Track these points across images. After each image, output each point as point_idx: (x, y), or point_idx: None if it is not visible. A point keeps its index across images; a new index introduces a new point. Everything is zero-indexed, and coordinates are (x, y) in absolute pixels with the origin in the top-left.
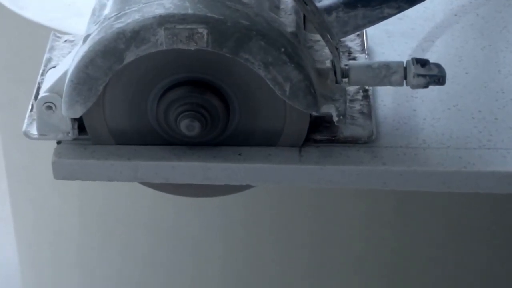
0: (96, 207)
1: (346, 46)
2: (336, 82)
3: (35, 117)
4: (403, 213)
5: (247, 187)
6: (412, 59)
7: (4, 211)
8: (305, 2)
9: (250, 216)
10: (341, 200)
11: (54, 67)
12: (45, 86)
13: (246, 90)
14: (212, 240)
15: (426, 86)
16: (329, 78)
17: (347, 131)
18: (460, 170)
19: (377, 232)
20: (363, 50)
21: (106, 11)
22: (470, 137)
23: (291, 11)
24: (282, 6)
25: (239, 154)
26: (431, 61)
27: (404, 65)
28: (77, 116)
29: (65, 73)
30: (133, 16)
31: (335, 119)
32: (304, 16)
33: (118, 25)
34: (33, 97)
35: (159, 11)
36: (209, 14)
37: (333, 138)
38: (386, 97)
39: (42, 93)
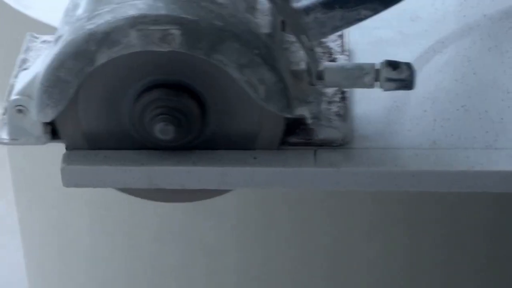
0: (103, 214)
1: (328, 47)
2: (311, 84)
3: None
4: (413, 215)
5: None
6: (384, 61)
7: (11, 217)
8: (275, 2)
9: (260, 216)
10: (353, 202)
11: (26, 68)
12: (17, 88)
13: (221, 92)
14: (224, 245)
15: (398, 89)
16: (304, 80)
17: (322, 133)
18: (468, 170)
19: (388, 234)
20: (343, 51)
21: (79, 11)
22: (478, 137)
23: (268, 12)
24: (258, 7)
25: (254, 158)
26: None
27: (378, 67)
28: (48, 120)
29: (36, 75)
30: (105, 17)
31: (309, 121)
32: None
33: (90, 26)
34: (4, 100)
35: (131, 12)
36: (182, 15)
37: (309, 141)
38: (399, 99)
39: (13, 96)
